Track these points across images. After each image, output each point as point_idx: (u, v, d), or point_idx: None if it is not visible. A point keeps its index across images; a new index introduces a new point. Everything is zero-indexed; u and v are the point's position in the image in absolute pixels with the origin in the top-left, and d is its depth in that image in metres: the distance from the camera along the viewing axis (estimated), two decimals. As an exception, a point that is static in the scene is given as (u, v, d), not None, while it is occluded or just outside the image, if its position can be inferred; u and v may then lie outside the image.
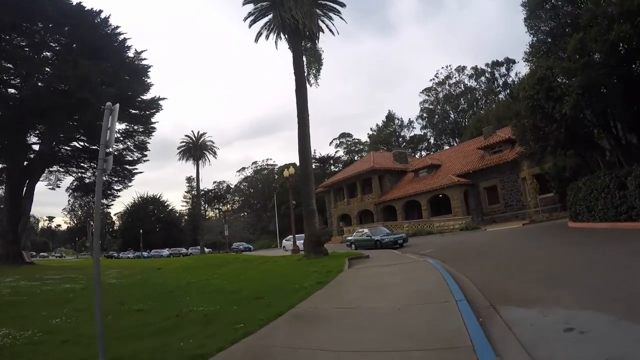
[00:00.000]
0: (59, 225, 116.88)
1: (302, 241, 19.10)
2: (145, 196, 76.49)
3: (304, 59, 17.96)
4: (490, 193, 31.16)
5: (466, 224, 26.25)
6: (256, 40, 18.85)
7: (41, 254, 77.85)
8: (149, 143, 34.32)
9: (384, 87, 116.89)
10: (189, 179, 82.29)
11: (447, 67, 67.97)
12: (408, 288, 7.42)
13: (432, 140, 69.88)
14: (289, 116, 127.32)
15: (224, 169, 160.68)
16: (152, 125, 33.75)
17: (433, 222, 29.64)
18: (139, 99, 31.81)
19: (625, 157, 14.81)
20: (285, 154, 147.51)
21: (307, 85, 17.89)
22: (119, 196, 36.18)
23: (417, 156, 56.17)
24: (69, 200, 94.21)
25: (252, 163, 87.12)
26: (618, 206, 13.05)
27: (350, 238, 24.25)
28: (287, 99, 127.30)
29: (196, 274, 15.26)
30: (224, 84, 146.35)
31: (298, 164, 18.95)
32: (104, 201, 35.19)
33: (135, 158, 34.34)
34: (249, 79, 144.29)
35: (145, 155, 34.60)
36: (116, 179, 34.60)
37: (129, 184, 35.88)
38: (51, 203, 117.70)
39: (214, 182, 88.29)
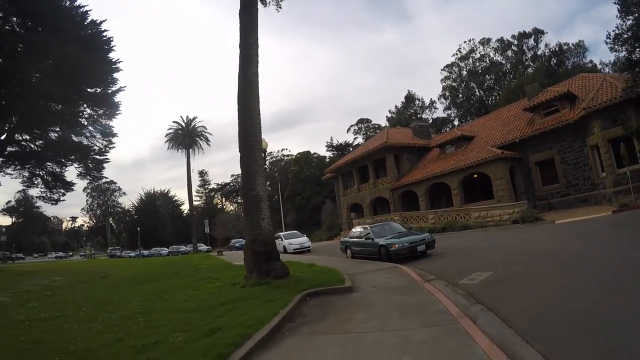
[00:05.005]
0: (82, 225, 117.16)
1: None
2: (153, 192, 75.19)
3: None
4: (545, 169, 22.17)
5: (520, 213, 17.58)
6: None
7: (34, 254, 75.14)
8: (113, 127, 29.29)
9: (404, 74, 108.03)
10: (201, 173, 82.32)
11: (470, 40, 57.89)
12: None
13: (456, 122, 60.47)
14: (310, 109, 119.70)
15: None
16: (117, 108, 28.30)
17: (470, 211, 20.96)
18: (100, 76, 26.39)
19: None
20: (306, 145, 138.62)
21: (261, 7, 12.02)
22: (72, 189, 29.29)
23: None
24: (86, 200, 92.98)
25: (267, 154, 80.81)
26: None
27: (345, 239, 15.80)
28: (307, 92, 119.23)
29: (112, 297, 10.56)
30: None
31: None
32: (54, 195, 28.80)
33: (102, 146, 28.80)
34: (267, 73, 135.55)
35: (113, 143, 29.40)
36: (82, 170, 28.88)
37: (98, 175, 30.64)
38: (74, 204, 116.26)
39: (232, 176, 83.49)
